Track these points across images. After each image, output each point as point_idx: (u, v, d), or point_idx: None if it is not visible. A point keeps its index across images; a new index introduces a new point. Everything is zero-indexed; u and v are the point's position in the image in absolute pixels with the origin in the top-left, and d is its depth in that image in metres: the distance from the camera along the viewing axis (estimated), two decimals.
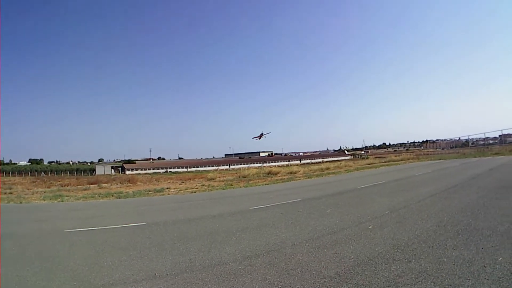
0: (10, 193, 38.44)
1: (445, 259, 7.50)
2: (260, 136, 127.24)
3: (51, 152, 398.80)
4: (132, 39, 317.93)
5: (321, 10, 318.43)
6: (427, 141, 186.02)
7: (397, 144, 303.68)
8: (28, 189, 44.67)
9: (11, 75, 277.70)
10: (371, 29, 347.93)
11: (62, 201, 27.92)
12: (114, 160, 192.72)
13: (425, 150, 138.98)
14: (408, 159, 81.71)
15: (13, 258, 10.07)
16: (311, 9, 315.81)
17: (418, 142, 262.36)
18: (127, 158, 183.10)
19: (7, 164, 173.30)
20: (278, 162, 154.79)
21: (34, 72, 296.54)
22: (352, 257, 8.22)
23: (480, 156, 58.58)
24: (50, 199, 29.08)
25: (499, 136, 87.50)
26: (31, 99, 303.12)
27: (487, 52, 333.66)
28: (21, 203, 27.60)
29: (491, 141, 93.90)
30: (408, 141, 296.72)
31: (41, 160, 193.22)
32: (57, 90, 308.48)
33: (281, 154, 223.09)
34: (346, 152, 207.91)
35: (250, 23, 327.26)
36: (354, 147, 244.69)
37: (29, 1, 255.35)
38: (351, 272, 7.17)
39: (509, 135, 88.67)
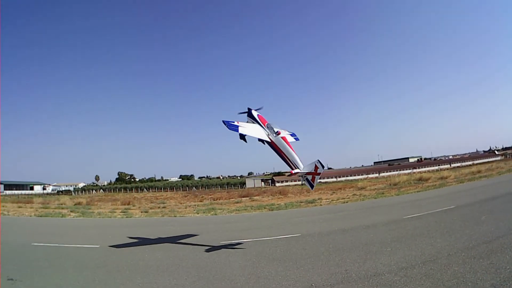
0: (164, 207, 40.45)
1: None
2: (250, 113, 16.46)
3: (201, 167, 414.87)
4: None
5: None
6: None
7: None
8: (181, 203, 46.98)
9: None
10: None
11: (215, 214, 29.30)
12: (264, 173, 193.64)
13: None
14: None
15: (170, 268, 10.97)
16: None
17: None
18: (276, 170, 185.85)
19: (159, 180, 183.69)
20: (427, 167, 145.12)
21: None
22: (508, 268, 7.90)
23: None
24: (204, 213, 30.56)
25: None
26: (186, 125, 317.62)
27: None
28: (175, 216, 29.39)
29: None
30: None
31: (192, 175, 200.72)
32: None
33: (430, 158, 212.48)
34: (496, 152, 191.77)
35: None
36: (504, 147, 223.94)
37: None
38: (507, 284, 6.92)
39: None
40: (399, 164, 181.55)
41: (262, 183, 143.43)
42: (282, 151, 14.63)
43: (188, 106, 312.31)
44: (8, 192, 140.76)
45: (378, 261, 9.84)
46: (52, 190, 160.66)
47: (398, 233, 13.86)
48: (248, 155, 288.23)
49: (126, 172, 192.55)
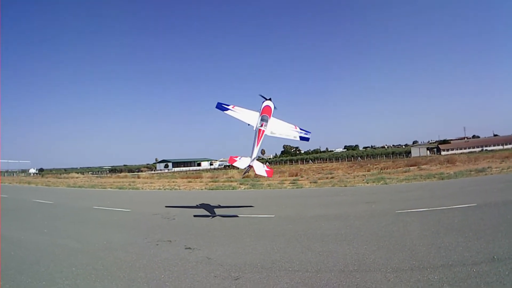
0: (332, 177, 40.81)
1: None
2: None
3: (366, 138, 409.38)
4: None
5: None
6: None
7: None
8: (348, 173, 47.20)
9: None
10: None
11: (385, 184, 29.16)
12: (429, 141, 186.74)
13: None
14: None
15: (349, 237, 11.24)
16: None
17: None
18: (441, 139, 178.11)
19: (324, 151, 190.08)
20: None
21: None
22: None
23: None
24: (373, 182, 30.42)
25: None
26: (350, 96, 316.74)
27: None
28: (345, 186, 29.43)
29: None
30: None
31: (356, 146, 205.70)
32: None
33: None
34: None
35: None
36: None
37: None
38: None
39: None
40: None
41: (428, 151, 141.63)
42: (254, 139, 16.36)
43: (351, 78, 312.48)
44: (176, 169, 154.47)
45: None
46: (219, 165, 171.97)
47: None
48: (411, 123, 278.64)
49: (291, 145, 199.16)
